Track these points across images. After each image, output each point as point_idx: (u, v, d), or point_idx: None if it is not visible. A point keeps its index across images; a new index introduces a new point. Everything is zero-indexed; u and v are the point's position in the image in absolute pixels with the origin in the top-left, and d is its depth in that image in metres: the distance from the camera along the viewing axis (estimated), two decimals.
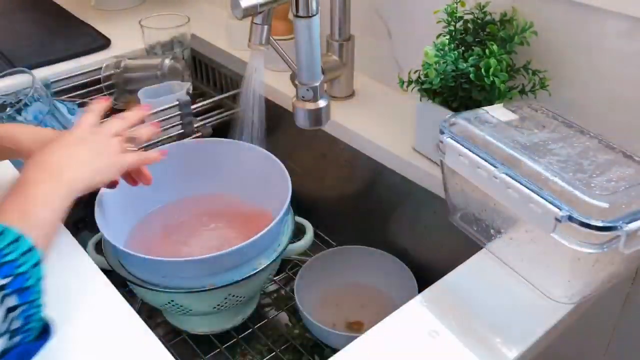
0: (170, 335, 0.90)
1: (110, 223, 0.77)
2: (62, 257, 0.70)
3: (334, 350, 0.63)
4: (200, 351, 0.86)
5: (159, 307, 0.82)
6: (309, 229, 0.90)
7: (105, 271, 0.70)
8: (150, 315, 0.93)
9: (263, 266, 0.76)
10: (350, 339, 0.60)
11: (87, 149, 0.63)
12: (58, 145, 0.62)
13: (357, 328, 0.90)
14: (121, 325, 0.62)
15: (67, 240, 0.73)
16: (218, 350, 0.86)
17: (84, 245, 0.74)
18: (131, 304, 0.65)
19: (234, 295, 0.78)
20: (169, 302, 0.77)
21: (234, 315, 0.88)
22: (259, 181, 0.87)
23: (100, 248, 0.81)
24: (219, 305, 0.78)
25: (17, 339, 0.49)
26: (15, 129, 0.70)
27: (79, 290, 0.66)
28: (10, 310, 0.47)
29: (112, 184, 0.70)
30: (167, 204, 0.91)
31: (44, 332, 0.53)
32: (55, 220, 0.56)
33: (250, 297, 0.87)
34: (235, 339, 0.87)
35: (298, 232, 0.87)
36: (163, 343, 0.61)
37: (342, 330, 0.88)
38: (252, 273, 0.75)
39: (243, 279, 0.74)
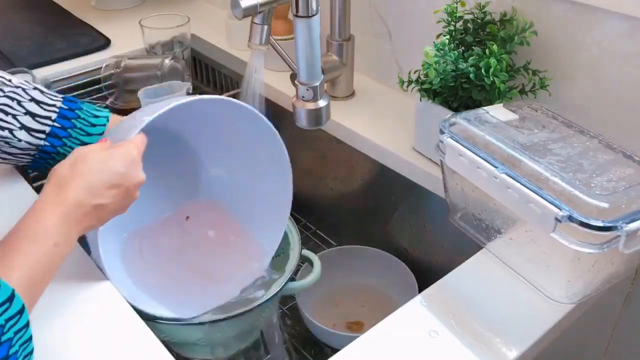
0: None
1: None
2: None
3: (334, 350, 0.63)
4: None
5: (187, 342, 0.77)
6: (317, 264, 0.81)
7: None
8: None
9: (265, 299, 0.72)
10: (350, 339, 0.60)
11: (112, 198, 0.58)
12: (87, 177, 0.57)
13: (357, 328, 0.90)
14: (121, 325, 0.62)
15: None
16: None
17: (84, 245, 0.73)
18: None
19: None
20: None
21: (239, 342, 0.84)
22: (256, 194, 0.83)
23: None
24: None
25: None
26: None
27: (78, 290, 0.66)
28: None
29: None
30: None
31: None
32: (49, 280, 0.54)
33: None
34: None
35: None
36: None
37: (342, 330, 0.88)
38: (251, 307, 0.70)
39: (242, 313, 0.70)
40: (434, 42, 0.77)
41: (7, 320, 0.45)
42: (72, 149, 0.68)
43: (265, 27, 0.80)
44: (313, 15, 0.70)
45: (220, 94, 1.12)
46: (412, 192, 0.89)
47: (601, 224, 0.53)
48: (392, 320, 0.62)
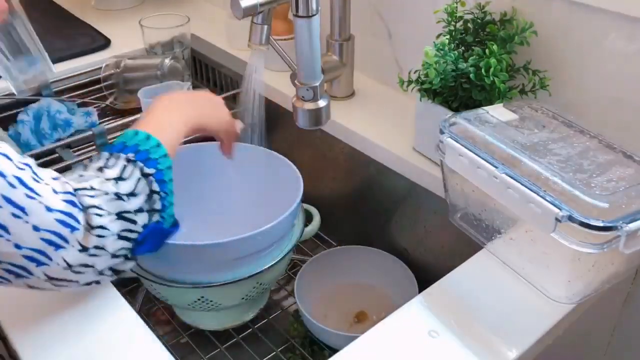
0: (170, 336, 0.90)
1: None
2: None
3: (334, 350, 0.63)
4: (200, 351, 0.86)
5: (185, 306, 0.82)
6: (316, 214, 0.92)
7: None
8: (150, 315, 0.94)
9: (287, 250, 0.79)
10: (350, 339, 0.60)
11: (206, 100, 0.76)
12: (183, 93, 0.78)
13: (362, 318, 0.90)
14: (121, 325, 0.62)
15: None
16: (218, 350, 0.86)
17: None
18: (131, 304, 0.65)
19: (260, 284, 0.80)
20: (198, 299, 0.78)
21: (249, 308, 0.89)
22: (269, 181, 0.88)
23: None
24: (246, 295, 0.80)
25: (155, 218, 0.59)
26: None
27: (78, 290, 0.66)
28: (153, 193, 0.59)
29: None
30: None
31: (174, 225, 0.64)
32: (177, 143, 0.66)
33: (270, 286, 0.90)
34: (235, 339, 0.87)
35: (306, 220, 0.90)
36: (163, 343, 0.61)
37: (342, 329, 0.88)
38: (279, 258, 0.78)
39: (272, 265, 0.77)
40: (434, 42, 0.77)
41: (160, 157, 0.61)
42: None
43: (265, 27, 0.80)
44: (313, 15, 0.70)
45: (220, 94, 1.12)
46: (412, 192, 0.89)
47: (601, 224, 0.53)
48: (392, 320, 0.62)
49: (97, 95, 1.12)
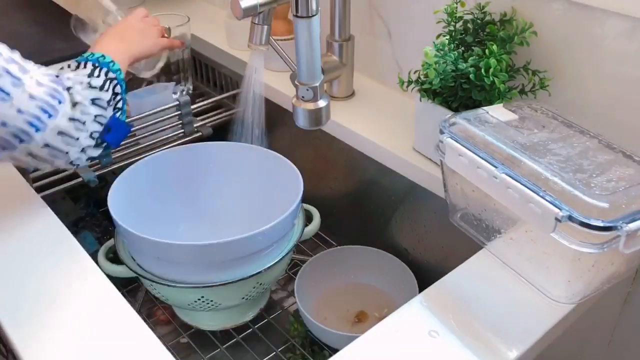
0: (169, 336, 0.90)
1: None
2: (62, 258, 0.70)
3: (334, 350, 0.63)
4: (200, 351, 0.86)
5: (185, 306, 0.82)
6: (316, 214, 0.93)
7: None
8: (150, 315, 0.94)
9: (287, 250, 0.79)
10: (350, 339, 0.60)
11: (139, 30, 0.87)
12: (119, 25, 0.86)
13: (362, 318, 0.90)
14: (121, 325, 0.62)
15: (67, 240, 0.73)
16: (218, 350, 0.86)
17: (84, 245, 0.74)
18: (131, 304, 0.65)
19: (260, 284, 0.80)
20: (198, 299, 0.78)
21: (249, 308, 0.89)
22: (269, 181, 0.89)
23: (109, 256, 0.83)
24: (246, 295, 0.80)
25: (118, 114, 0.75)
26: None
27: (79, 290, 0.66)
28: (116, 94, 0.74)
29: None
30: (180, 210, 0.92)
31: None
32: (123, 64, 0.79)
33: (270, 286, 0.91)
34: (235, 339, 0.87)
35: (306, 220, 0.90)
36: (163, 343, 0.61)
37: (342, 329, 0.88)
38: (279, 258, 0.78)
39: (272, 265, 0.77)
40: (433, 42, 0.77)
41: (116, 70, 0.76)
42: None
43: (265, 27, 0.79)
44: (313, 16, 0.70)
45: (220, 94, 1.12)
46: (412, 192, 0.89)
47: (601, 224, 0.53)
48: (392, 320, 0.62)
49: None
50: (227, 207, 0.93)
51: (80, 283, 0.67)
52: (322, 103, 0.79)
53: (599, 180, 0.58)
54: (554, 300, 0.63)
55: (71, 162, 0.71)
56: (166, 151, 0.90)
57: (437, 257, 0.91)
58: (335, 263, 0.95)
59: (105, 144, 0.74)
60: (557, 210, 0.55)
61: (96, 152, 0.73)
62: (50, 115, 0.66)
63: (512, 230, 0.66)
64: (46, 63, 1.11)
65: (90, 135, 0.71)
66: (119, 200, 0.78)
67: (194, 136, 1.04)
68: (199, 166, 0.91)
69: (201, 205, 0.93)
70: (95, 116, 0.71)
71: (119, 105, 0.75)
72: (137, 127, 0.97)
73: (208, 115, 1.11)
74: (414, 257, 0.95)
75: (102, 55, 0.75)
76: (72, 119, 0.69)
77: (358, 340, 0.60)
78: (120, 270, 0.80)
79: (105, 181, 0.97)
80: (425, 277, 0.85)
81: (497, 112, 0.70)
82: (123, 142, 0.97)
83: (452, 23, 0.80)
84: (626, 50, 0.71)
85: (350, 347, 0.59)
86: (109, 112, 0.73)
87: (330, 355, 0.59)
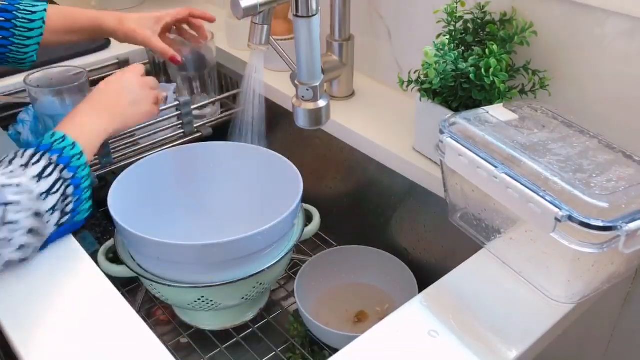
0: (169, 336, 0.90)
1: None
2: (62, 258, 0.70)
3: (334, 350, 0.63)
4: (200, 351, 0.86)
5: (185, 306, 0.82)
6: (316, 214, 0.93)
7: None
8: (150, 315, 0.94)
9: (287, 250, 0.79)
10: (350, 339, 0.60)
11: (131, 98, 0.80)
12: (112, 88, 0.80)
13: (362, 318, 0.90)
14: (121, 325, 0.62)
15: (67, 240, 0.73)
16: (218, 350, 0.86)
17: (84, 245, 0.74)
18: (131, 304, 0.65)
19: (260, 284, 0.80)
20: (198, 299, 0.78)
21: (249, 308, 0.89)
22: (268, 180, 0.89)
23: (109, 256, 0.83)
24: (246, 295, 0.80)
25: (64, 219, 0.67)
26: (100, 13, 0.92)
27: (79, 290, 0.66)
28: (66, 197, 0.66)
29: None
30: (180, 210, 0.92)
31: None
32: (95, 147, 0.74)
33: (270, 286, 0.91)
34: (235, 339, 0.87)
35: (306, 220, 0.90)
36: (163, 343, 0.61)
37: (342, 329, 0.88)
38: (279, 258, 0.78)
39: (272, 265, 0.77)
40: (434, 42, 0.77)
41: (73, 156, 0.68)
42: (17, 45, 0.86)
43: (265, 27, 0.79)
44: (313, 15, 0.70)
45: (220, 94, 1.12)
46: (412, 192, 0.89)
47: (601, 224, 0.53)
48: (392, 320, 0.62)
49: None
50: (227, 207, 0.93)
51: (80, 283, 0.67)
52: (322, 103, 0.79)
53: (599, 180, 0.58)
54: (553, 300, 0.63)
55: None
56: (166, 151, 0.90)
57: (437, 257, 0.91)
58: (335, 263, 0.95)
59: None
60: (557, 210, 0.55)
61: (33, 255, 0.66)
62: None
63: (512, 230, 0.66)
64: (46, 63, 1.12)
65: (21, 247, 0.63)
66: (119, 200, 0.78)
67: (194, 136, 1.04)
68: (199, 166, 0.91)
69: (201, 206, 0.93)
70: (32, 227, 0.63)
71: (68, 208, 0.67)
72: (137, 127, 0.97)
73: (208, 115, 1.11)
74: (414, 257, 0.95)
75: (72, 144, 0.68)
76: None
77: (358, 340, 0.60)
78: (120, 270, 0.80)
79: (105, 181, 0.97)
80: (425, 277, 0.85)
81: (497, 112, 0.70)
82: (123, 142, 0.97)
83: (452, 23, 0.80)
84: (626, 50, 0.71)
85: (350, 347, 0.59)
86: (54, 221, 0.65)
87: (330, 355, 0.59)
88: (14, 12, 0.85)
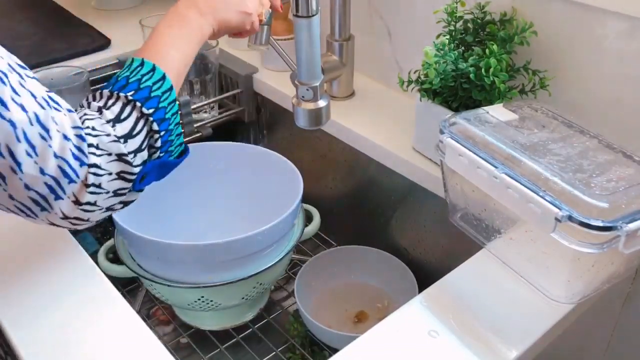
0: (169, 336, 0.90)
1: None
2: (62, 258, 0.70)
3: (334, 350, 0.63)
4: (200, 351, 0.86)
5: (185, 306, 0.82)
6: (316, 214, 0.93)
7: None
8: (150, 315, 0.94)
9: (287, 250, 0.79)
10: (350, 339, 0.60)
11: None
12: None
13: (362, 318, 0.90)
14: (121, 325, 0.62)
15: (67, 240, 0.73)
16: (218, 350, 0.86)
17: (84, 245, 0.74)
18: (131, 304, 0.65)
19: (260, 284, 0.80)
20: (198, 299, 0.78)
21: (249, 308, 0.90)
22: (269, 182, 0.89)
23: (109, 256, 0.83)
24: (246, 295, 0.80)
25: (155, 155, 0.59)
26: None
27: (78, 290, 0.66)
28: (153, 132, 0.58)
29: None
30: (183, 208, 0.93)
31: (183, 153, 0.63)
32: (184, 60, 0.64)
33: (270, 286, 0.91)
34: (235, 339, 0.87)
35: (306, 220, 0.91)
36: (163, 343, 0.61)
37: (342, 329, 0.88)
38: (279, 258, 0.78)
39: (272, 265, 0.77)
40: (434, 42, 0.77)
41: (163, 93, 0.59)
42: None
43: (265, 27, 0.79)
44: (313, 15, 0.70)
45: (220, 94, 1.12)
46: (412, 192, 0.89)
47: (601, 224, 0.53)
48: (392, 320, 0.62)
49: None
50: (227, 207, 0.93)
51: (80, 283, 0.67)
52: (322, 103, 0.79)
53: (599, 180, 0.58)
54: (553, 300, 0.63)
55: (98, 221, 0.59)
56: None
57: (437, 257, 0.91)
58: (335, 263, 0.95)
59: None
60: (557, 210, 0.55)
61: (133, 197, 0.60)
62: (70, 181, 0.53)
63: (512, 230, 0.66)
64: (46, 63, 1.12)
65: (116, 194, 0.57)
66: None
67: (194, 136, 1.04)
68: (198, 166, 0.91)
69: (201, 206, 0.93)
70: (119, 172, 0.57)
71: (157, 144, 0.59)
72: None
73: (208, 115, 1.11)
74: (414, 257, 0.95)
75: (152, 69, 0.60)
76: (84, 186, 0.54)
77: (358, 340, 0.60)
78: (120, 270, 0.80)
79: None
80: (425, 277, 0.85)
81: (497, 112, 0.70)
82: None
83: (452, 23, 0.80)
84: (626, 50, 0.71)
85: (350, 347, 0.59)
86: (139, 161, 0.58)
87: (330, 355, 0.59)
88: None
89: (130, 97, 0.57)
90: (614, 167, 0.61)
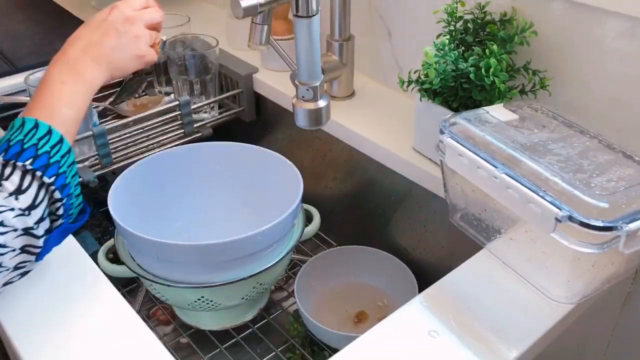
0: (169, 336, 0.90)
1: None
2: (62, 258, 0.70)
3: (334, 350, 0.63)
4: (200, 351, 0.86)
5: (185, 306, 0.82)
6: (316, 214, 0.93)
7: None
8: (150, 315, 0.94)
9: (287, 250, 0.79)
10: (350, 339, 0.60)
11: (116, 39, 0.65)
12: (85, 31, 0.64)
13: (362, 318, 0.90)
14: (121, 325, 0.62)
15: (67, 240, 0.72)
16: (218, 350, 0.86)
17: (84, 245, 0.74)
18: (131, 304, 0.65)
19: (260, 284, 0.80)
20: (198, 299, 0.78)
21: (249, 308, 0.89)
22: (269, 182, 0.89)
23: (109, 256, 0.83)
24: (246, 295, 0.80)
25: (57, 223, 0.57)
26: None
27: (79, 290, 0.66)
28: (55, 200, 0.56)
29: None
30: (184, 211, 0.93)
31: (82, 212, 0.62)
32: (78, 118, 0.60)
33: (270, 286, 0.91)
34: (235, 339, 0.87)
35: (306, 220, 0.91)
36: (163, 343, 0.61)
37: (342, 329, 0.88)
38: (279, 258, 0.78)
39: (272, 265, 0.77)
40: (434, 42, 0.77)
41: (62, 157, 0.56)
42: None
43: (265, 27, 0.79)
44: (313, 15, 0.70)
45: (220, 94, 1.12)
46: (412, 192, 0.89)
47: (601, 224, 0.53)
48: (392, 320, 0.62)
49: (97, 95, 1.11)
50: (227, 206, 0.93)
51: (80, 283, 0.67)
52: (322, 103, 0.79)
53: (599, 180, 0.58)
54: (553, 300, 0.63)
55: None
56: (166, 151, 0.90)
57: (437, 257, 0.91)
58: (335, 263, 0.95)
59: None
60: (557, 210, 0.55)
61: (33, 267, 0.59)
62: None
63: (512, 230, 0.66)
64: (46, 63, 1.12)
65: (17, 268, 0.56)
66: (119, 200, 0.78)
67: (194, 136, 1.04)
68: (199, 166, 0.91)
69: (201, 206, 0.93)
70: (23, 247, 0.55)
71: (59, 212, 0.57)
72: (137, 127, 0.97)
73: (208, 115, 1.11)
74: (414, 257, 0.95)
75: (47, 132, 0.56)
76: None
77: (358, 340, 0.60)
78: (120, 270, 0.80)
79: (105, 181, 0.97)
80: (425, 277, 0.85)
81: (497, 112, 0.70)
82: (123, 142, 0.97)
83: (452, 23, 0.80)
84: (626, 49, 0.71)
85: (350, 347, 0.59)
86: (42, 231, 0.56)
87: (330, 355, 0.59)
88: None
89: (29, 167, 0.54)
90: (614, 167, 0.61)
